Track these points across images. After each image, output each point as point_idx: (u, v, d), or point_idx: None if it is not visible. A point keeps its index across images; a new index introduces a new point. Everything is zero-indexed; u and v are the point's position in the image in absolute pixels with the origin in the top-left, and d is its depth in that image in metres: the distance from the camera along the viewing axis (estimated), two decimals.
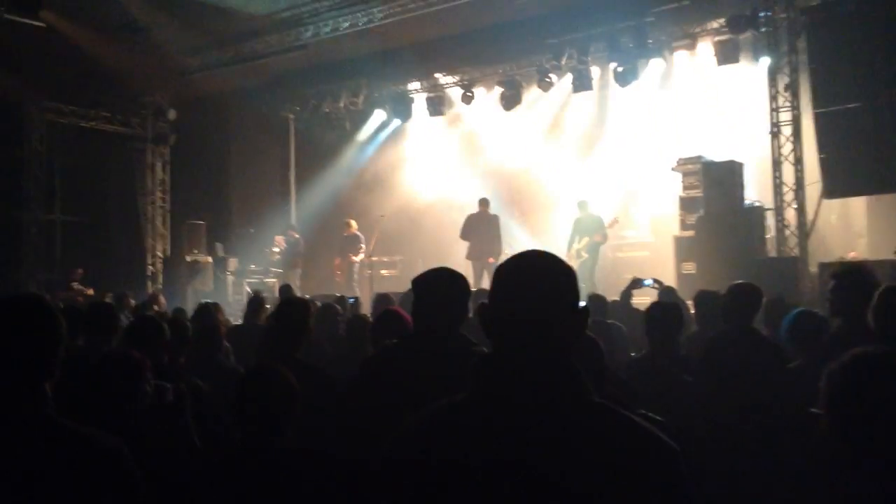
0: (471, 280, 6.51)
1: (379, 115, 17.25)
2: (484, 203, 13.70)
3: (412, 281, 3.05)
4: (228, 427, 3.31)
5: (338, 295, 10.02)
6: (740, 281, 4.74)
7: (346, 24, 13.52)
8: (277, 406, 2.70)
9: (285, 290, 8.94)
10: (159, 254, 17.32)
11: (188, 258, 15.77)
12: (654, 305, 4.65)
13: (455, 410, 1.55)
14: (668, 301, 5.27)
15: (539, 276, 1.57)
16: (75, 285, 14.32)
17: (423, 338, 2.98)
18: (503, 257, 12.80)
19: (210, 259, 16.00)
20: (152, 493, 2.05)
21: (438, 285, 2.97)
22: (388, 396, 2.85)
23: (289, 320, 4.12)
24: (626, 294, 7.46)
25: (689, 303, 7.01)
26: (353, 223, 14.94)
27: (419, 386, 2.72)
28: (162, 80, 16.14)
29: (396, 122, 17.16)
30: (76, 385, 3.04)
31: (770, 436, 3.63)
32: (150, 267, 17.20)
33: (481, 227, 13.41)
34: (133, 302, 10.21)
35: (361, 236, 14.60)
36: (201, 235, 16.27)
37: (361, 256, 14.46)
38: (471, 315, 3.19)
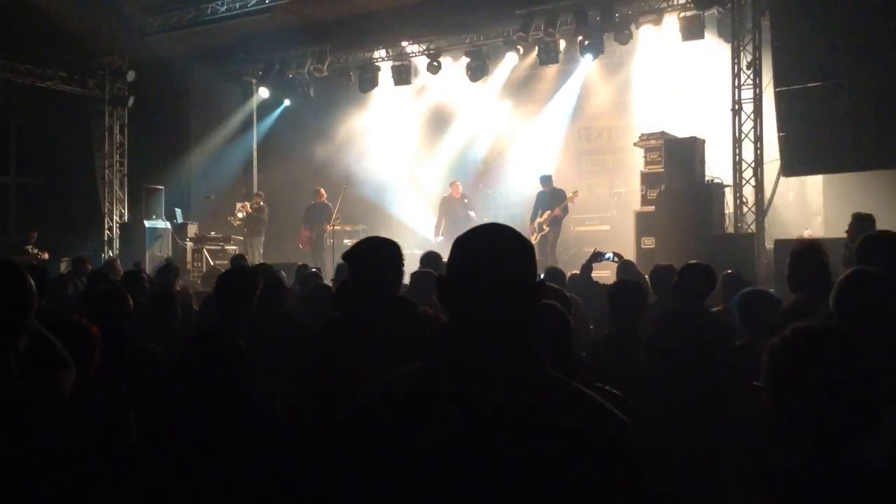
0: None
1: (343, 83, 17.08)
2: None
3: (343, 255, 3.10)
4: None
5: (299, 264, 9.98)
6: (694, 261, 4.78)
7: None
8: (220, 373, 2.68)
9: (236, 260, 8.85)
10: (117, 218, 17.04)
11: (146, 223, 15.55)
12: (617, 285, 4.66)
13: (412, 380, 1.56)
14: (630, 280, 5.31)
15: (498, 250, 1.57)
16: (30, 248, 14.05)
17: (365, 306, 3.02)
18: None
19: (169, 225, 15.79)
20: (112, 462, 2.03)
21: (369, 254, 3.04)
22: (339, 366, 2.89)
23: (231, 292, 4.10)
24: (587, 267, 7.52)
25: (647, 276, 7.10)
26: (323, 191, 14.81)
27: (368, 351, 2.78)
28: (121, 41, 15.75)
29: (359, 90, 17.01)
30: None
31: (717, 412, 3.72)
32: (108, 231, 16.92)
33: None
34: (90, 268, 10.05)
35: (331, 205, 14.49)
36: (160, 200, 16.03)
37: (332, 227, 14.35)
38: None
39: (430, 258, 6.58)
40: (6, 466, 1.72)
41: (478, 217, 13.72)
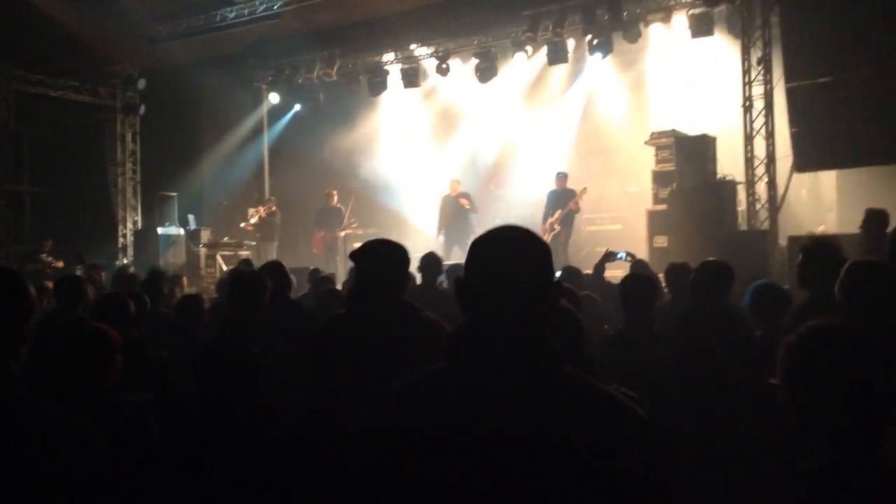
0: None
1: (353, 87, 17.11)
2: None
3: (349, 254, 3.11)
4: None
5: (311, 268, 9.99)
6: (712, 258, 4.79)
7: None
8: (238, 379, 2.69)
9: (245, 264, 8.91)
10: (130, 226, 17.14)
11: (160, 230, 15.62)
12: (628, 278, 4.66)
13: (433, 380, 1.58)
14: (641, 273, 5.30)
15: (515, 251, 1.59)
16: (44, 257, 14.13)
17: (367, 307, 3.04)
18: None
19: (182, 231, 15.85)
20: (120, 471, 2.03)
21: (377, 255, 3.06)
22: (337, 364, 2.90)
23: (244, 294, 4.11)
24: (600, 267, 7.50)
25: (661, 276, 7.07)
26: (335, 194, 14.81)
27: (367, 352, 2.80)
28: (131, 49, 15.84)
29: (369, 94, 17.03)
30: (48, 353, 3.03)
31: (733, 408, 3.70)
32: (122, 239, 17.02)
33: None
34: (104, 274, 10.11)
35: (343, 209, 14.50)
36: (173, 207, 16.10)
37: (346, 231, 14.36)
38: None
39: (429, 260, 6.58)
40: (7, 474, 1.72)
41: (470, 208, 13.67)
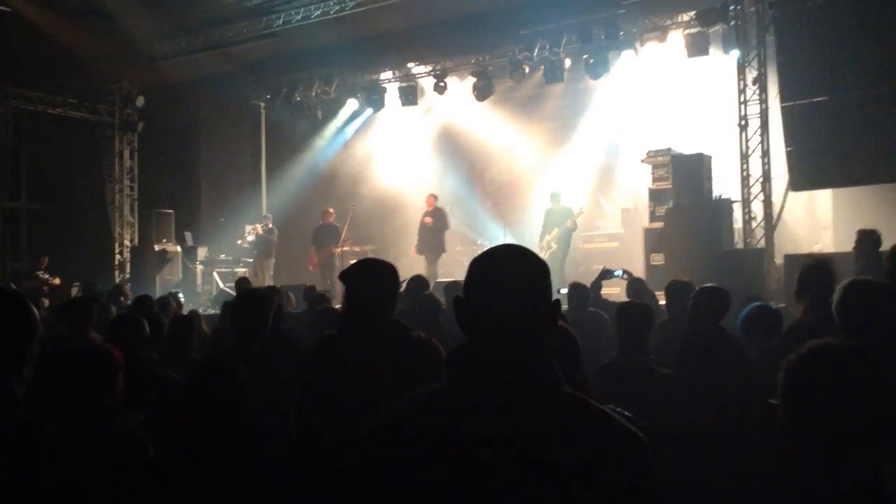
0: None
1: (351, 105, 17.19)
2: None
3: (339, 275, 3.10)
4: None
5: (308, 285, 9.99)
6: (709, 284, 4.79)
7: (318, 12, 13.41)
8: (228, 400, 2.69)
9: (241, 283, 8.91)
10: (127, 242, 17.13)
11: (157, 247, 15.61)
12: (624, 306, 4.66)
13: (433, 401, 1.58)
14: (636, 303, 5.30)
15: (516, 270, 1.59)
16: (41, 274, 14.12)
17: (358, 327, 3.04)
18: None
19: (179, 248, 15.85)
20: (116, 489, 2.02)
21: (366, 275, 3.06)
22: (331, 384, 2.90)
23: (246, 313, 4.09)
24: (596, 285, 7.51)
25: (658, 293, 7.08)
26: (332, 212, 14.81)
27: (359, 372, 2.79)
28: (130, 67, 15.89)
29: (369, 111, 17.10)
30: (54, 373, 3.03)
31: (731, 428, 3.71)
32: (118, 256, 17.00)
33: None
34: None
35: (339, 226, 14.49)
36: (170, 224, 16.10)
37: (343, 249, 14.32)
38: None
39: (416, 283, 6.56)
40: (8, 496, 1.71)
41: (433, 226, 13.59)
